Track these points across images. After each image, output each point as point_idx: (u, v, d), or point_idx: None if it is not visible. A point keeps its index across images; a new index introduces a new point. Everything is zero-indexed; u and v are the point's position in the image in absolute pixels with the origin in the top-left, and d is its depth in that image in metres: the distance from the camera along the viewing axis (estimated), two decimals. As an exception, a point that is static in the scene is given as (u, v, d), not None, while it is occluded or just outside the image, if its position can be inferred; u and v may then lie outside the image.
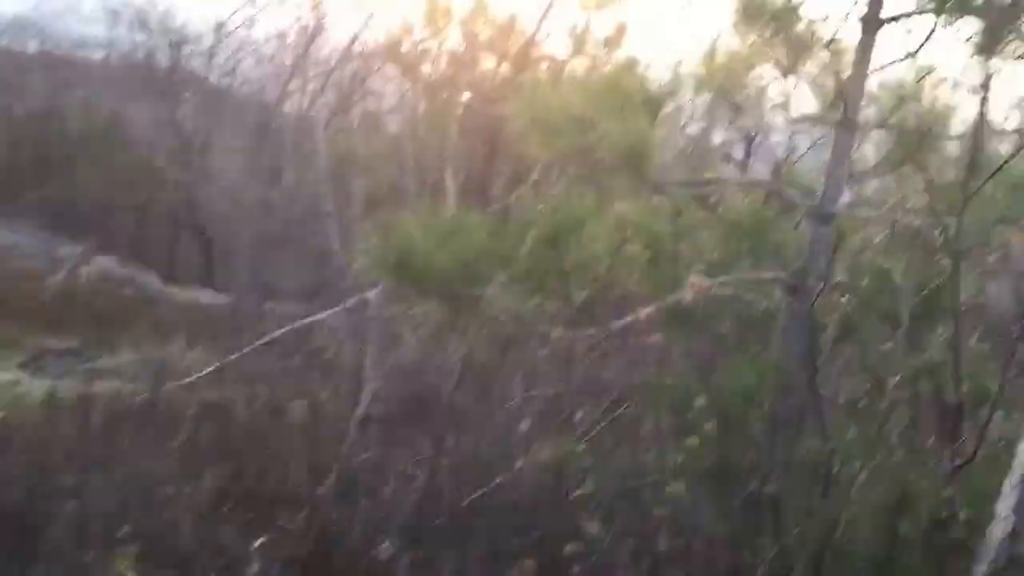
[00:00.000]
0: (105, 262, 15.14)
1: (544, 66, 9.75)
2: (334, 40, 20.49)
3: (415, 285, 4.43)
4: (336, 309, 7.31)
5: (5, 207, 16.94)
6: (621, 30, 9.54)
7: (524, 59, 9.52)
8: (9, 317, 12.35)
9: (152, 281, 15.13)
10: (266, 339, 7.16)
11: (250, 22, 20.90)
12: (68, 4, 20.97)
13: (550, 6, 9.81)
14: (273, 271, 15.79)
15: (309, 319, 7.37)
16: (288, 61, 20.71)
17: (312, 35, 20.61)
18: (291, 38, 20.69)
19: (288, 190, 14.44)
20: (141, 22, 20.71)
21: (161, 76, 20.45)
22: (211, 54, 20.88)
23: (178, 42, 20.65)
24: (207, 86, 20.81)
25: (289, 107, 20.35)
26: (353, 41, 18.82)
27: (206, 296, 14.67)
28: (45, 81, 19.34)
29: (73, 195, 18.46)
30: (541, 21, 9.99)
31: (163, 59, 20.68)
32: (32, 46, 20.25)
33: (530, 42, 9.82)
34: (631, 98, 4.38)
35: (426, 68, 9.97)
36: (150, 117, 19.06)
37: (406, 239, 4.22)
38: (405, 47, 9.88)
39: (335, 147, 12.40)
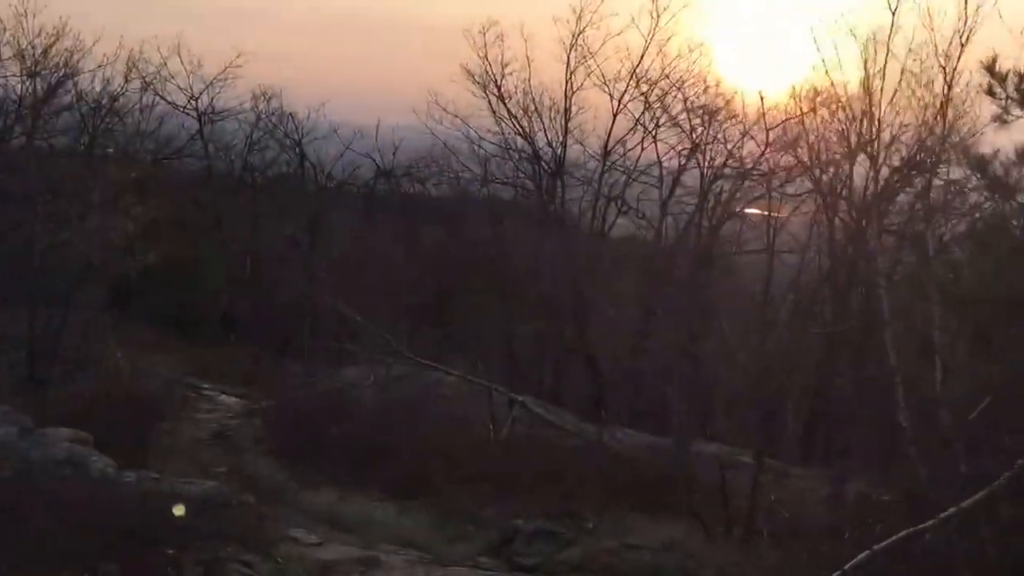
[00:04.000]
0: (529, 403, 14.12)
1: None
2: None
3: None
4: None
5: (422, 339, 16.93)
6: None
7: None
8: (454, 481, 11.03)
9: (577, 424, 14.01)
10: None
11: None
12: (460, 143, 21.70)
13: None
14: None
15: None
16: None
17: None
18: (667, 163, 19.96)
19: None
20: (530, 156, 20.94)
21: (552, 210, 20.45)
22: (594, 183, 20.75)
23: (556, 173, 20.68)
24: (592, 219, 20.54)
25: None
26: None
27: (641, 441, 13.28)
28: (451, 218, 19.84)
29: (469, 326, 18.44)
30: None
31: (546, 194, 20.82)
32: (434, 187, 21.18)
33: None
34: None
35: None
36: (544, 250, 18.79)
37: None
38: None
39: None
